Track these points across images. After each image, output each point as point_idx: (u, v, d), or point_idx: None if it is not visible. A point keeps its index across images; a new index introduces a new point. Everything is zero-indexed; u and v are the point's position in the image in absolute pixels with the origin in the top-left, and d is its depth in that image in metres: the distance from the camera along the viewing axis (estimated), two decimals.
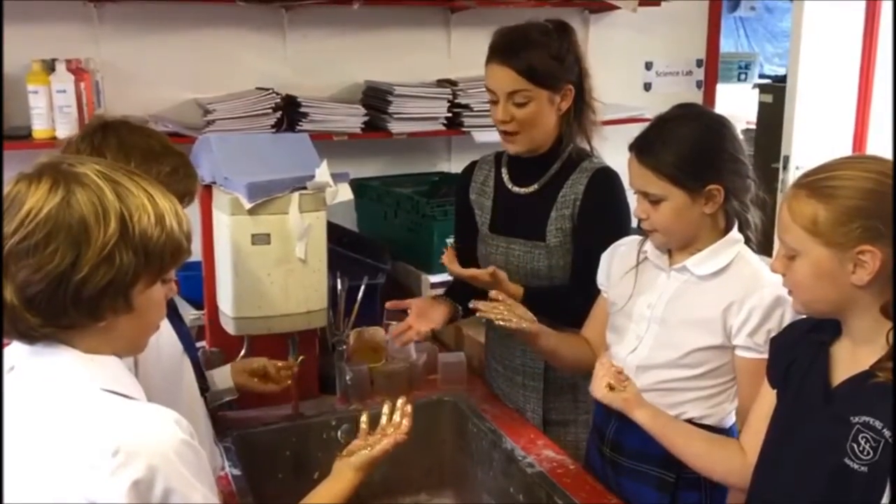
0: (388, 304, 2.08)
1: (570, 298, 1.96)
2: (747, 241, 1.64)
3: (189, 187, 1.56)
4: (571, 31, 1.96)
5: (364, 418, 1.51)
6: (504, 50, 1.90)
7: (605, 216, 1.94)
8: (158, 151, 1.53)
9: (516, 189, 2.03)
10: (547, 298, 1.96)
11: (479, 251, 2.08)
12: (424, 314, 2.01)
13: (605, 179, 1.95)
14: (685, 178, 1.55)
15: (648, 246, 1.71)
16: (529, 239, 1.98)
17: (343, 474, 1.42)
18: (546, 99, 1.90)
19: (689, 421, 1.62)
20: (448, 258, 1.95)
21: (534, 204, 1.99)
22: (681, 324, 1.62)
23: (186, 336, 1.73)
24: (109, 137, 1.50)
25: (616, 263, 1.78)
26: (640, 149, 1.59)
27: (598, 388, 1.57)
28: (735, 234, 1.63)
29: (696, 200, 1.57)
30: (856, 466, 1.19)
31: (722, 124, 1.62)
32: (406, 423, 1.49)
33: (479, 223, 2.08)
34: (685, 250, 1.65)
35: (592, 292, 1.89)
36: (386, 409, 1.52)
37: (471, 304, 1.79)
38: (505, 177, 2.05)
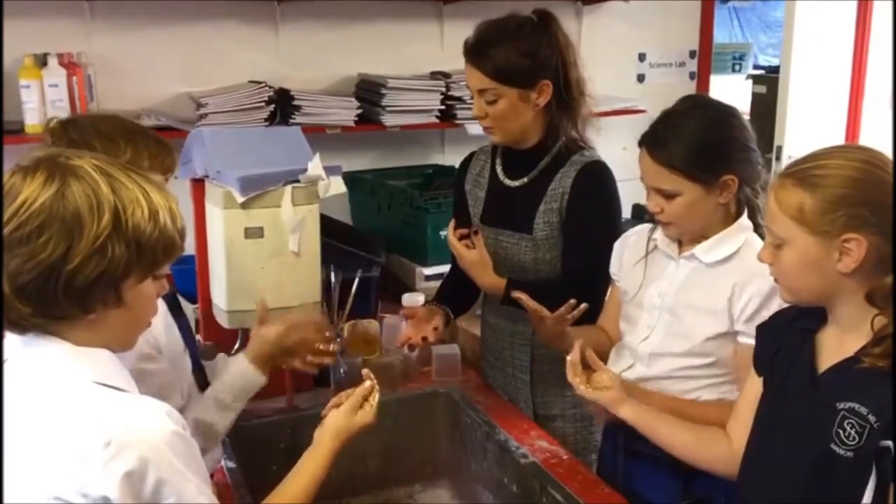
0: (402, 312, 2.12)
1: (557, 292, 1.96)
2: (757, 227, 1.63)
3: (174, 155, 1.60)
4: (553, 23, 1.93)
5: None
6: (472, 50, 1.91)
7: (592, 211, 1.94)
8: (134, 128, 1.55)
9: (508, 181, 2.03)
10: (531, 292, 1.96)
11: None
12: (421, 325, 2.04)
13: (594, 173, 1.94)
14: (699, 172, 1.55)
15: (658, 234, 1.71)
16: (517, 231, 1.99)
17: (319, 442, 1.42)
18: (516, 96, 1.89)
19: None
20: (451, 232, 1.98)
21: (523, 196, 2.00)
22: (690, 312, 1.63)
23: (188, 330, 1.73)
24: (84, 127, 1.50)
25: (627, 253, 1.79)
26: (651, 144, 1.58)
27: (577, 386, 1.57)
28: (745, 221, 1.63)
29: (710, 192, 1.57)
30: (842, 452, 1.20)
31: (730, 114, 1.62)
32: (368, 382, 1.50)
33: (472, 214, 2.10)
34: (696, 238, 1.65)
35: (582, 287, 1.90)
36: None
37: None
38: (498, 168, 2.06)
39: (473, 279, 2.00)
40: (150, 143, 1.53)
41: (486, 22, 1.93)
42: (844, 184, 1.23)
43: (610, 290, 1.90)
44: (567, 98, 1.94)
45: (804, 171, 1.27)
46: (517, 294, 1.76)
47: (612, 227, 1.93)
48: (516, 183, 2.02)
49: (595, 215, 1.94)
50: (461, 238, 1.98)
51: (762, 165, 1.63)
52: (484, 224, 2.06)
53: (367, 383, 1.51)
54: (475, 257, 1.96)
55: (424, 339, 2.01)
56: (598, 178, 1.95)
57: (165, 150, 1.56)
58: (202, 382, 1.73)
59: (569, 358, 1.59)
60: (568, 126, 1.97)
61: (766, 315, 1.53)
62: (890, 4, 3.29)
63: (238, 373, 1.67)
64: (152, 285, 1.15)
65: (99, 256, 1.05)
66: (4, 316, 1.06)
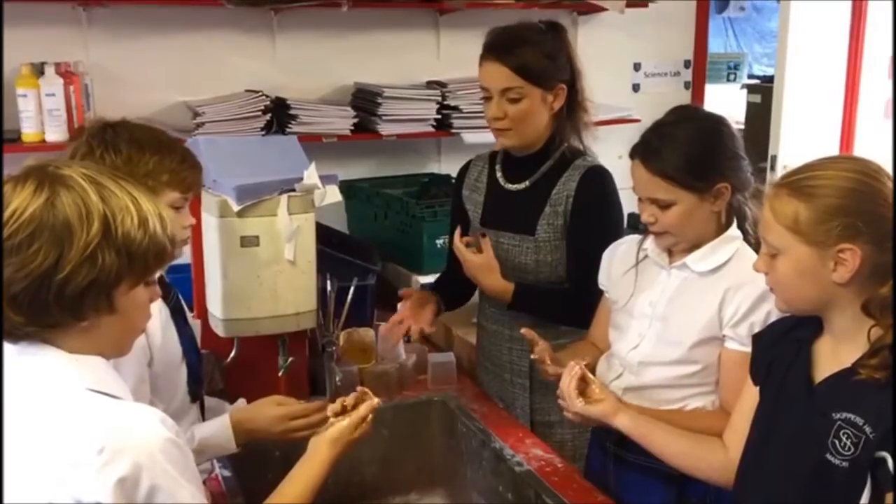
0: (402, 292, 2.15)
1: (564, 298, 1.98)
2: (746, 235, 1.64)
3: (197, 176, 1.60)
4: (563, 31, 1.98)
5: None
6: (498, 47, 1.92)
7: (597, 214, 1.97)
8: (166, 142, 1.56)
9: (509, 186, 2.05)
10: (538, 297, 1.98)
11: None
12: (416, 312, 2.06)
13: (597, 177, 1.97)
14: (693, 181, 1.56)
15: (649, 244, 1.72)
16: (518, 233, 2.01)
17: (317, 450, 1.42)
18: (539, 97, 1.92)
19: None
20: (457, 237, 2.00)
21: (525, 200, 2.01)
22: (682, 321, 1.63)
23: (191, 340, 1.73)
24: (120, 131, 1.52)
25: (616, 263, 1.79)
26: (645, 154, 1.59)
27: (573, 403, 1.57)
28: (734, 230, 1.64)
29: (704, 200, 1.58)
30: (837, 462, 1.21)
31: (720, 123, 1.63)
32: (374, 400, 1.51)
33: (472, 218, 2.12)
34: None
35: (587, 292, 1.90)
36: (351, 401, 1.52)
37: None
38: (498, 174, 2.08)
39: (478, 282, 2.01)
40: (176, 159, 1.53)
41: (502, 26, 1.96)
42: (839, 194, 1.24)
43: (602, 300, 1.90)
44: (573, 105, 1.98)
45: (799, 182, 1.28)
46: (536, 349, 1.76)
47: (615, 231, 1.95)
48: (518, 186, 2.03)
49: (599, 219, 1.96)
50: (467, 245, 1.99)
51: (752, 173, 1.64)
52: (483, 226, 2.08)
53: (374, 400, 1.51)
54: (482, 260, 1.97)
55: (421, 331, 2.05)
56: (600, 182, 1.97)
57: (189, 168, 1.56)
58: (196, 394, 1.73)
59: (566, 382, 1.58)
60: (571, 133, 2.00)
61: (753, 320, 1.54)
62: (887, 9, 3.30)
63: (216, 427, 1.64)
64: (144, 292, 1.15)
65: (89, 264, 1.05)
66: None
